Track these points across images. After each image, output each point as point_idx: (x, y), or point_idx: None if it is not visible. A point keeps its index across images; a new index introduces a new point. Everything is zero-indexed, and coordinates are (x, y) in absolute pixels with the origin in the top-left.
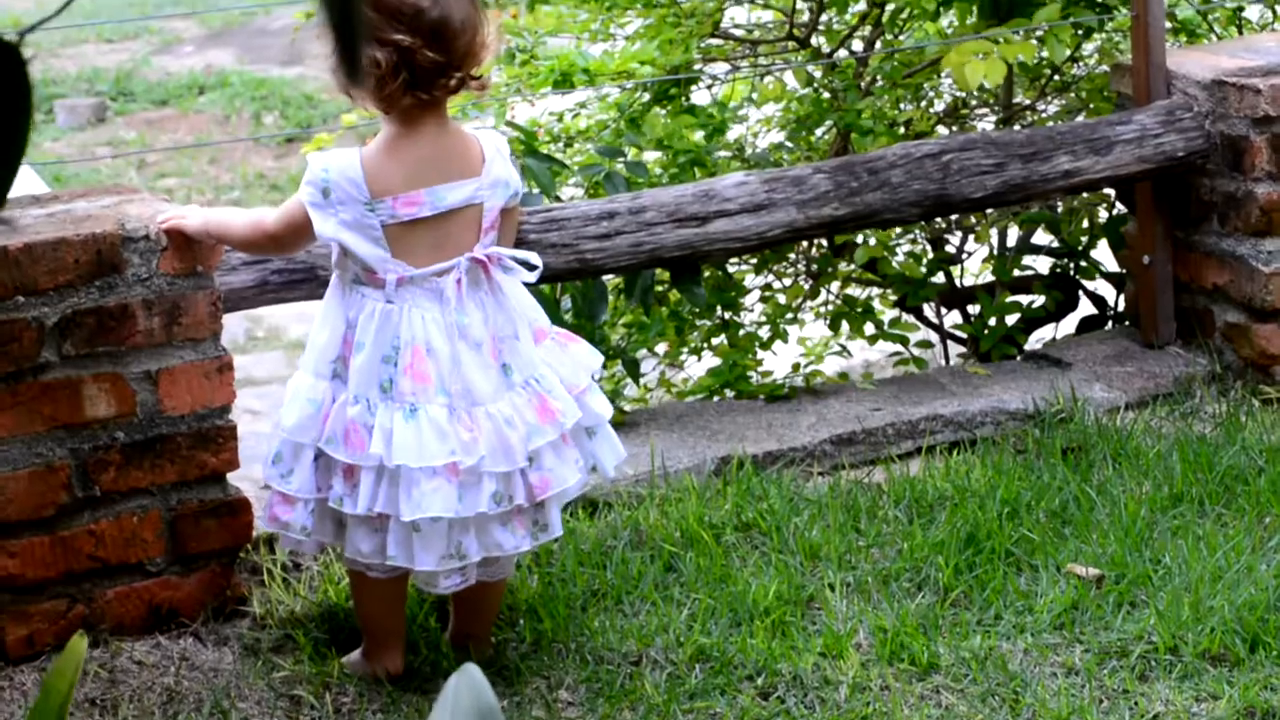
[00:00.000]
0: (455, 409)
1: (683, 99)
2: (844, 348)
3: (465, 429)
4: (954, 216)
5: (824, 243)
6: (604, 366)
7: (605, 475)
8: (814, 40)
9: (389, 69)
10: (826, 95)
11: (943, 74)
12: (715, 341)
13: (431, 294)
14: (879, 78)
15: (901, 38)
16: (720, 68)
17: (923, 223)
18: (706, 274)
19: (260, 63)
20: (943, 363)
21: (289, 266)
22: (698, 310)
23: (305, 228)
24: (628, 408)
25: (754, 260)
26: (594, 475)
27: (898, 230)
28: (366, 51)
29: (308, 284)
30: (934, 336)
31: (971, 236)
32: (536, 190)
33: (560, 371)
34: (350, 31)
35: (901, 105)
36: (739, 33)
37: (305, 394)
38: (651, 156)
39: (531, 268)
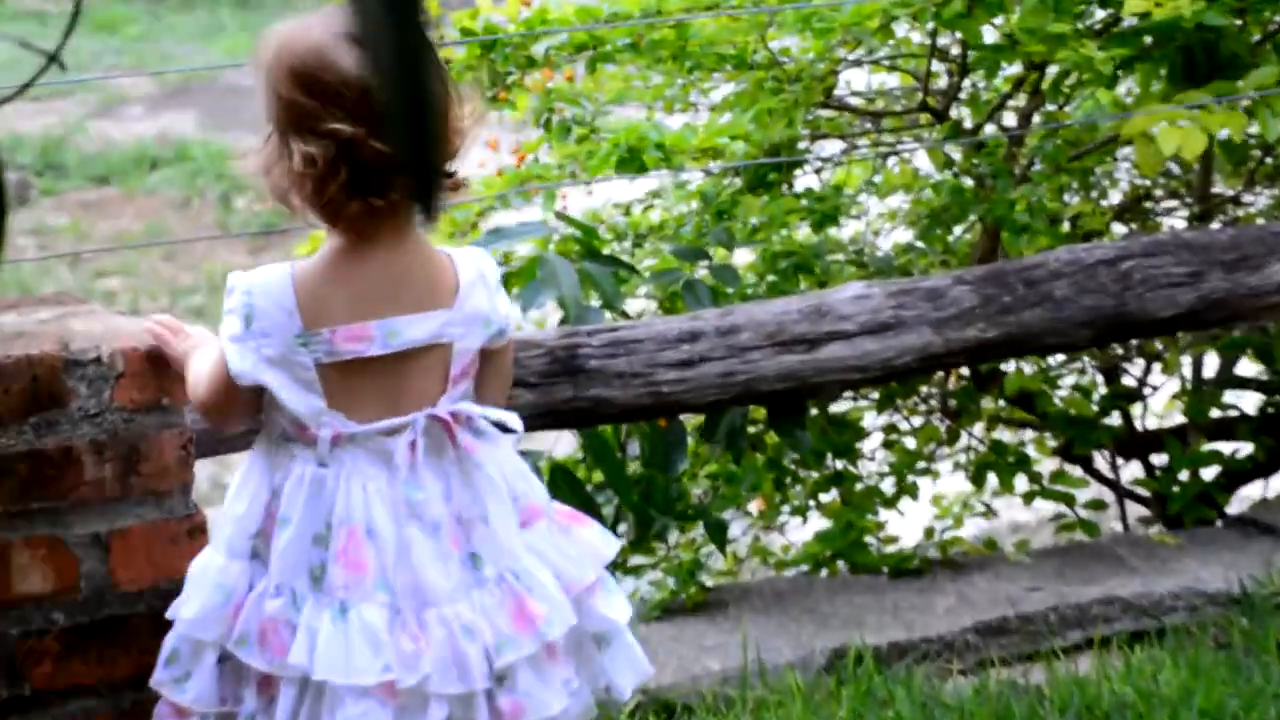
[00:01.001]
0: (399, 610)
1: (785, 185)
2: (989, 508)
3: (409, 638)
4: (1135, 340)
5: (965, 373)
6: (682, 528)
7: (620, 698)
8: (954, 112)
9: (325, 166)
10: (970, 182)
11: (1119, 154)
12: (825, 499)
13: (377, 459)
14: (1037, 160)
15: (1067, 109)
16: (833, 146)
17: (1094, 348)
18: (814, 412)
19: (230, 129)
20: (1120, 529)
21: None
22: (802, 459)
23: (227, 380)
24: (711, 582)
25: (875, 395)
26: (606, 696)
27: (1060, 357)
28: (299, 146)
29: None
30: (1108, 494)
31: (1157, 366)
32: (597, 302)
33: (556, 563)
34: (419, 129)
35: (1067, 196)
36: (857, 102)
37: (213, 578)
38: (744, 259)
39: (508, 430)
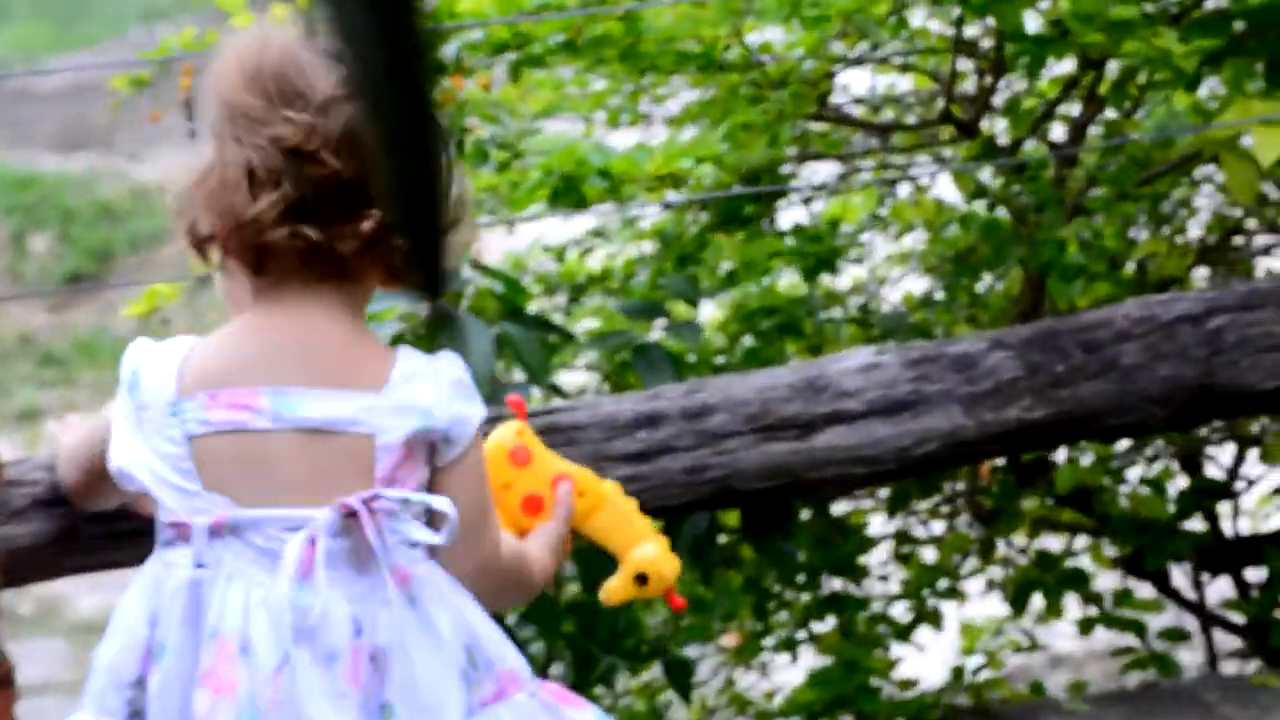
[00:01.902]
0: None
1: (765, 220)
2: (1033, 640)
3: None
4: (1223, 420)
5: (1002, 463)
6: (633, 669)
7: None
8: (985, 124)
9: (260, 176)
10: (1006, 215)
11: (1198, 175)
12: (819, 628)
13: (267, 562)
14: (1096, 185)
15: (1134, 118)
16: (828, 169)
17: (1172, 431)
18: (805, 514)
19: (23, 146)
20: (1207, 667)
21: (114, 510)
22: (790, 578)
23: (102, 458)
24: None
25: (885, 494)
26: None
27: (1126, 443)
28: (234, 153)
29: (146, 537)
30: (1189, 621)
31: (1253, 453)
32: (521, 376)
33: None
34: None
35: (1132, 232)
36: (859, 112)
37: None
38: (710, 315)
39: (435, 527)
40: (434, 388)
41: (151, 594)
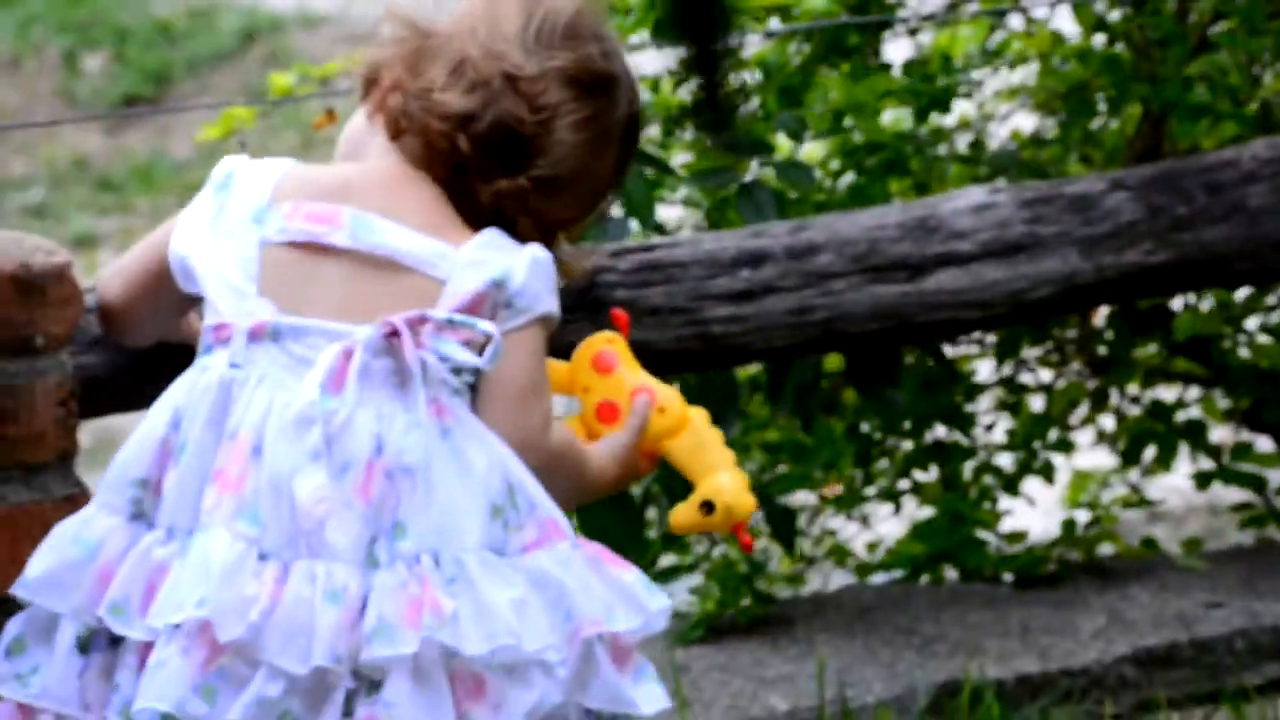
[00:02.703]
0: (265, 555)
1: (868, 53)
2: (1142, 496)
3: (257, 582)
4: None
5: (1115, 311)
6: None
7: None
8: None
9: (462, 70)
10: (1126, 49)
11: None
12: (924, 479)
13: (301, 371)
14: (1222, 18)
15: None
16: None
17: None
18: (909, 360)
19: None
20: None
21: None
22: (894, 426)
23: (161, 257)
24: (773, 591)
25: (994, 339)
26: None
27: (1248, 290)
28: (451, 34)
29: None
30: None
31: None
32: (621, 212)
33: (572, 595)
34: None
35: (1260, 70)
36: None
37: (72, 531)
38: (811, 153)
39: (484, 340)
40: (514, 258)
41: (180, 396)
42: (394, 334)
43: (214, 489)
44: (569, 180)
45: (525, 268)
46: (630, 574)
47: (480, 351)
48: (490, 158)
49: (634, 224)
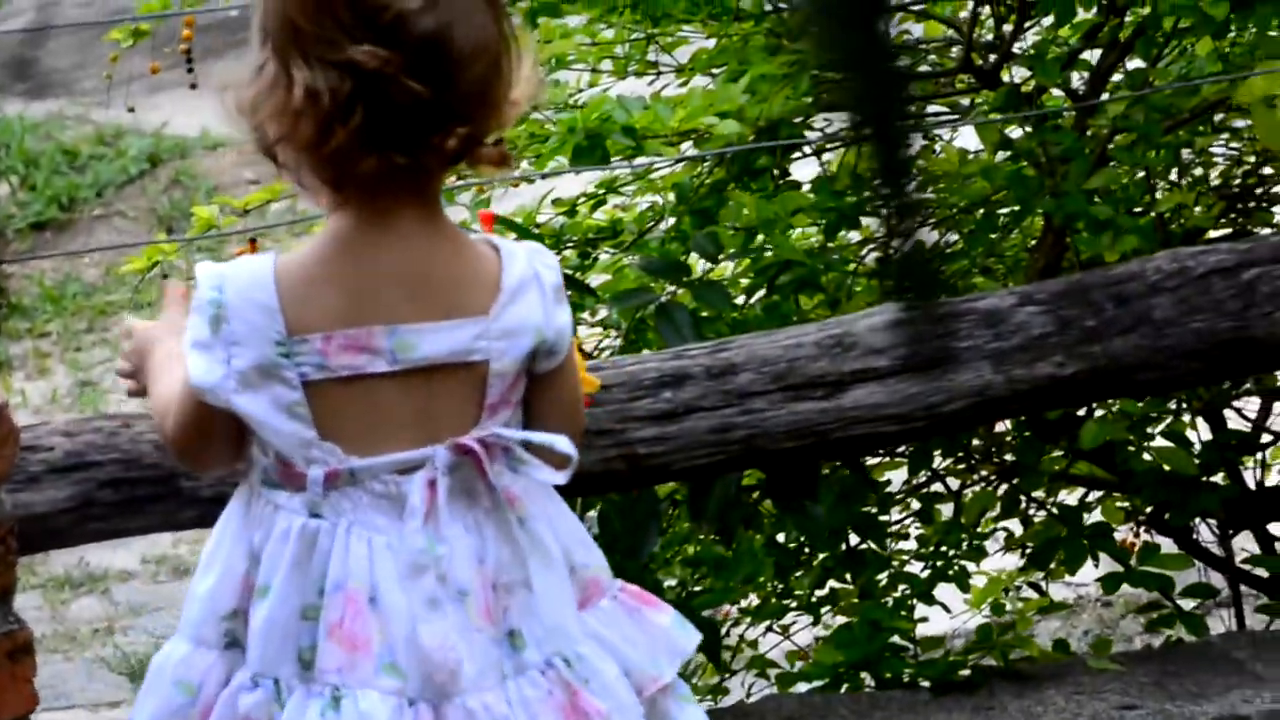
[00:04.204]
0: (412, 701)
1: (774, 173)
2: (1048, 597)
3: None
4: (1255, 375)
5: (1023, 420)
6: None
7: None
8: (1008, 75)
9: (334, 105)
10: (1028, 166)
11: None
12: (841, 588)
13: (386, 505)
14: (1119, 134)
15: (1166, 66)
16: (841, 119)
17: (1201, 386)
18: (826, 471)
19: None
20: (1233, 625)
21: (131, 475)
22: (812, 538)
23: (200, 404)
24: (698, 703)
25: (907, 450)
26: None
27: (1143, 400)
28: (301, 75)
29: (163, 503)
30: (1216, 578)
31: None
32: None
33: (623, 654)
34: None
35: (1155, 185)
36: None
37: (173, 673)
38: (725, 271)
39: (562, 462)
40: (539, 299)
41: (254, 531)
42: (467, 451)
43: (333, 647)
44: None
45: (552, 308)
46: (665, 615)
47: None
48: (420, 142)
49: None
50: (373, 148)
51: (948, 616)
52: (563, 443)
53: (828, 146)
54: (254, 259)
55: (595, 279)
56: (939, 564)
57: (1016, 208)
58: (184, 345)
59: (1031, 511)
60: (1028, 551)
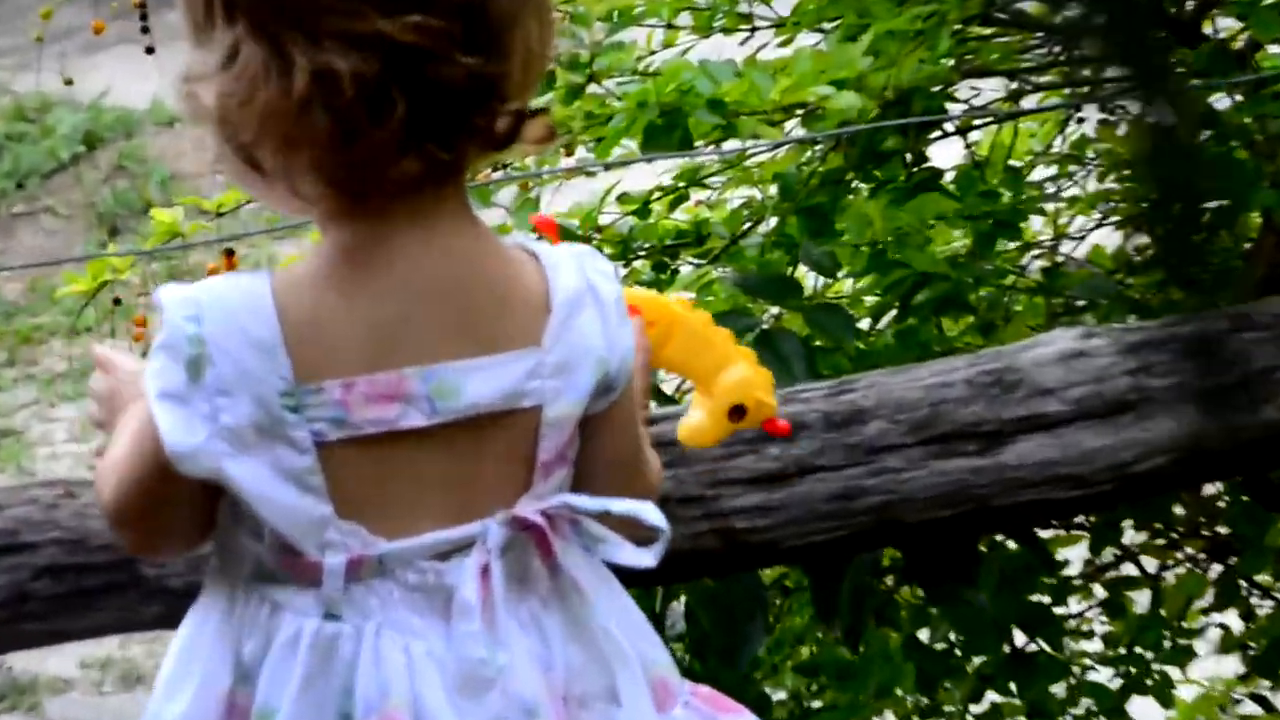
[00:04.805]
0: None
1: (906, 158)
2: (1278, 714)
3: None
4: None
5: (1240, 483)
6: None
7: None
8: (1210, 27)
9: (360, 91)
10: (1241, 147)
11: None
12: (1003, 702)
13: (426, 601)
14: None
15: None
16: (991, 88)
17: None
18: (983, 549)
19: None
20: None
21: (77, 560)
22: (975, 637)
23: (160, 466)
24: None
25: (1089, 521)
26: None
27: None
28: (308, 59)
29: (119, 596)
30: None
31: None
32: None
33: None
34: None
35: None
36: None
37: None
38: (845, 286)
39: (645, 538)
40: (598, 318)
41: (244, 638)
42: (527, 526)
43: None
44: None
45: (613, 328)
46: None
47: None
48: (467, 127)
49: None
50: (413, 144)
51: None
52: (651, 513)
53: (976, 123)
54: (241, 279)
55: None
56: (1133, 671)
57: (1225, 202)
58: (148, 394)
59: (1254, 601)
60: (1250, 654)
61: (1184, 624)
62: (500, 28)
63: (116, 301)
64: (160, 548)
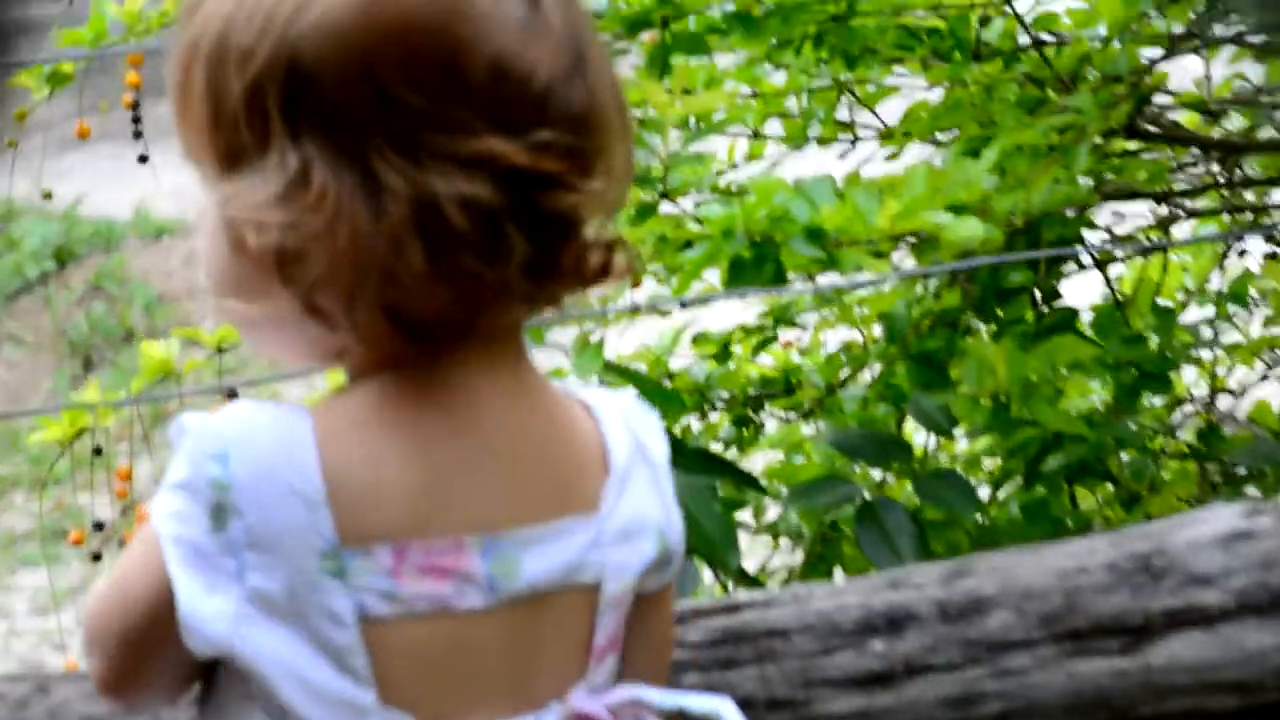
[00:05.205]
0: None
1: (1036, 296)
2: None
3: None
4: None
5: None
6: None
7: None
8: None
9: (473, 223)
10: None
11: None
12: None
13: None
14: None
15: None
16: (1137, 213)
17: None
18: None
19: None
20: None
21: None
22: None
23: (160, 625)
24: None
25: None
26: None
27: None
28: (395, 180)
29: None
30: None
31: None
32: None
33: None
34: None
35: None
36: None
37: None
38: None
39: None
40: (652, 482)
41: None
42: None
43: None
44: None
45: (670, 498)
46: None
47: None
48: (564, 252)
49: (705, 571)
50: (523, 285)
51: None
52: (729, 710)
53: (1119, 254)
54: (277, 415)
55: (758, 460)
56: None
57: None
58: (163, 543)
59: None
60: None
61: None
62: (603, 144)
63: (97, 451)
64: (132, 696)
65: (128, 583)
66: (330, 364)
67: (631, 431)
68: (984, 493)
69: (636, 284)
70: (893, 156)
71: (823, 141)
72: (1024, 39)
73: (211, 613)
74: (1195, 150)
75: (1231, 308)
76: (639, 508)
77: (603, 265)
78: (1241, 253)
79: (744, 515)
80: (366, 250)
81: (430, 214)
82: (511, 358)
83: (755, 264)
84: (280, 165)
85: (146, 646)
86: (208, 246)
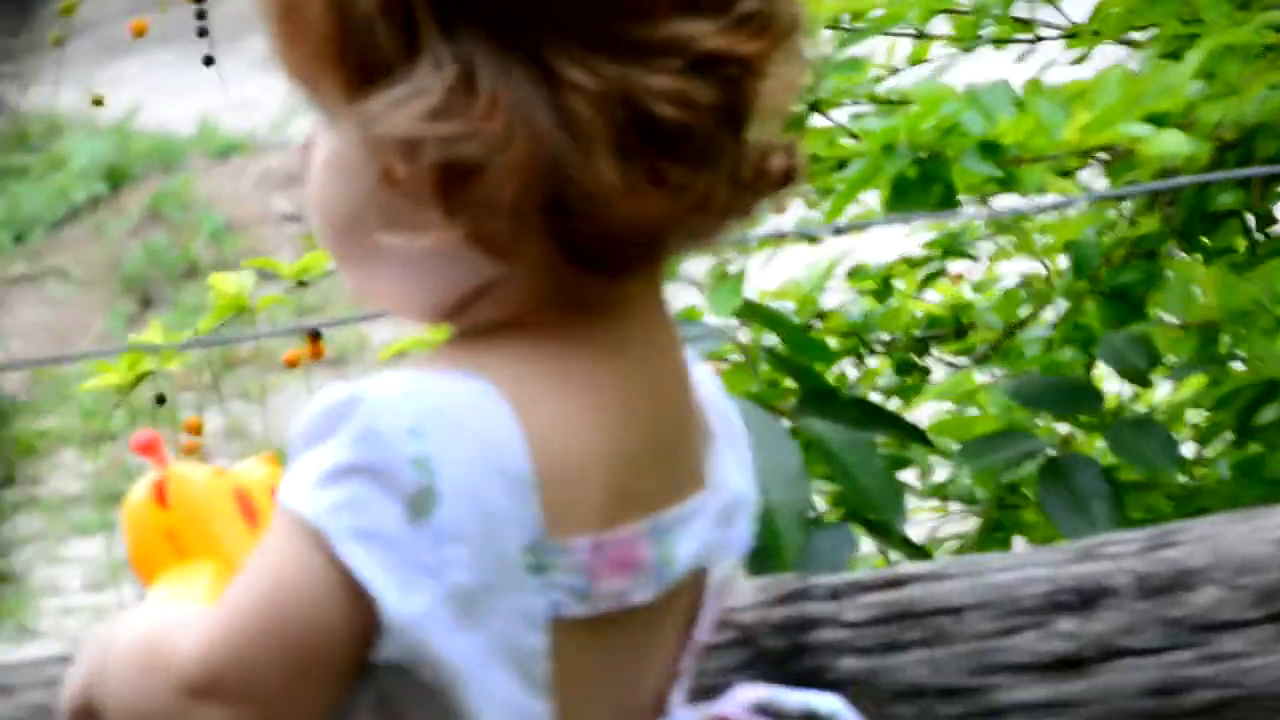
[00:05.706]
0: None
1: (1249, 220)
2: None
3: None
4: None
5: None
6: None
7: None
8: None
9: (678, 127)
10: None
11: None
12: None
13: None
14: None
15: None
16: None
17: None
18: None
19: None
20: None
21: None
22: None
23: (336, 648)
24: None
25: None
26: None
27: None
28: (582, 76)
29: None
30: None
31: None
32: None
33: None
34: None
35: None
36: None
37: None
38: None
39: None
40: (740, 457)
41: None
42: None
43: None
44: None
45: (750, 479)
46: None
47: None
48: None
49: (864, 539)
50: (725, 198)
51: None
52: (834, 704)
53: None
54: (455, 379)
55: (925, 410)
56: None
57: None
58: (324, 532)
59: None
60: None
61: None
62: (779, 44)
63: (160, 400)
64: None
65: (280, 607)
66: (455, 315)
67: (713, 385)
68: (1189, 449)
69: (782, 210)
70: (1080, 59)
71: (998, 42)
72: None
73: (416, 614)
74: None
75: None
76: (735, 481)
77: (786, 169)
78: None
79: (908, 475)
80: (549, 160)
81: (627, 113)
82: (658, 297)
83: (920, 184)
84: (435, 71)
85: (311, 683)
86: (331, 180)
